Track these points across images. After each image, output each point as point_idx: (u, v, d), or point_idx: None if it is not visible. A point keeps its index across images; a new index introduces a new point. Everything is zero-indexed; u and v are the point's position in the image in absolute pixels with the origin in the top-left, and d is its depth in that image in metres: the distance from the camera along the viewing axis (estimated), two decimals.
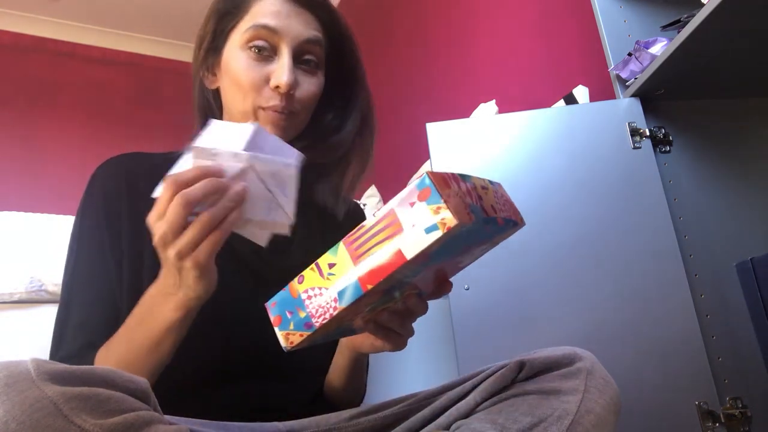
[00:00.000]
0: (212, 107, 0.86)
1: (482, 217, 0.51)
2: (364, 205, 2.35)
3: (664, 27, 1.14)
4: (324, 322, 0.51)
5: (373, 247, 0.49)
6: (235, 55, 0.78)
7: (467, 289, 1.05)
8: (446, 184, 0.49)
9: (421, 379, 1.21)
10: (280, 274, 0.78)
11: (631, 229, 1.07)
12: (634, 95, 1.14)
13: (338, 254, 0.51)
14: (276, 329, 0.53)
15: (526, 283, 1.06)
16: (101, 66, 3.67)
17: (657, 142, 1.14)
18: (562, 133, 1.14)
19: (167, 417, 0.52)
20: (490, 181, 0.58)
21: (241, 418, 0.67)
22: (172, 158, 0.83)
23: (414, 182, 0.48)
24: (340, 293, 0.50)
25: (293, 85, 0.76)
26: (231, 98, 0.79)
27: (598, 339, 1.01)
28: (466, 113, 1.87)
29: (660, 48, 1.09)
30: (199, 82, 0.84)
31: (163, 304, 0.62)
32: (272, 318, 0.53)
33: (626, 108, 1.14)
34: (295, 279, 0.52)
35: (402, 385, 1.19)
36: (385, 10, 2.84)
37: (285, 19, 0.77)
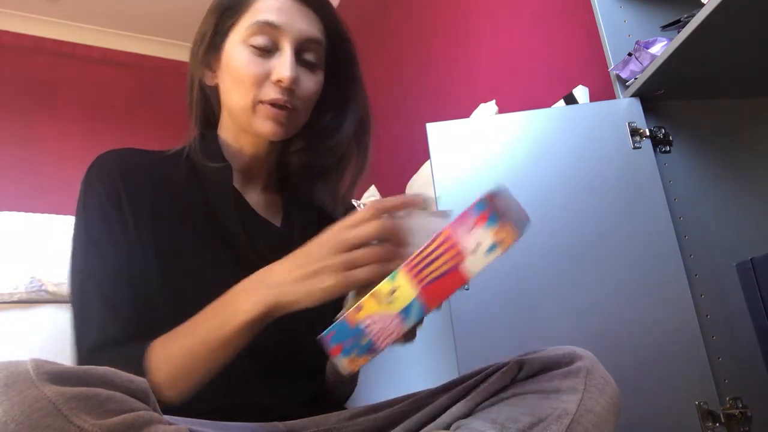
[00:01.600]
0: (212, 105, 0.87)
1: (524, 225, 0.53)
2: (364, 205, 2.35)
3: (664, 27, 1.14)
4: (389, 344, 0.53)
5: (434, 271, 0.51)
6: (237, 51, 0.78)
7: (467, 289, 1.05)
8: (498, 204, 0.51)
9: (421, 379, 1.21)
10: None
11: (631, 229, 1.07)
12: (634, 95, 1.14)
13: (397, 280, 0.52)
14: (336, 357, 0.54)
15: (526, 283, 1.06)
16: (101, 66, 3.67)
17: (657, 142, 1.14)
18: (562, 133, 1.14)
19: (167, 417, 0.52)
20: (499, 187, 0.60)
21: (241, 418, 0.67)
22: (164, 156, 0.83)
23: (471, 206, 0.51)
24: (405, 317, 0.52)
25: (295, 80, 0.76)
26: (231, 94, 0.79)
27: (597, 339, 1.01)
28: (466, 113, 1.87)
29: (660, 48, 1.09)
30: (198, 79, 0.84)
31: (249, 297, 0.61)
32: (330, 348, 0.54)
33: (626, 108, 1.14)
34: (352, 309, 0.53)
35: (402, 385, 1.19)
36: (385, 10, 2.84)
37: (287, 15, 0.77)
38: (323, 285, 0.57)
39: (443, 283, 0.51)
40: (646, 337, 1.01)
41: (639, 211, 1.08)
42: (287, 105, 0.78)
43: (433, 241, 0.51)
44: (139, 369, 0.63)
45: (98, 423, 0.44)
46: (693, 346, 1.00)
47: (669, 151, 1.15)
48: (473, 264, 0.51)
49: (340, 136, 0.87)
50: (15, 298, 1.04)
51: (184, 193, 0.79)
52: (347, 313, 0.53)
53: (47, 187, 3.12)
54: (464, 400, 0.66)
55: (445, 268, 0.51)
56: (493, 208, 0.50)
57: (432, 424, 0.66)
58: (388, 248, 0.57)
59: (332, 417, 0.72)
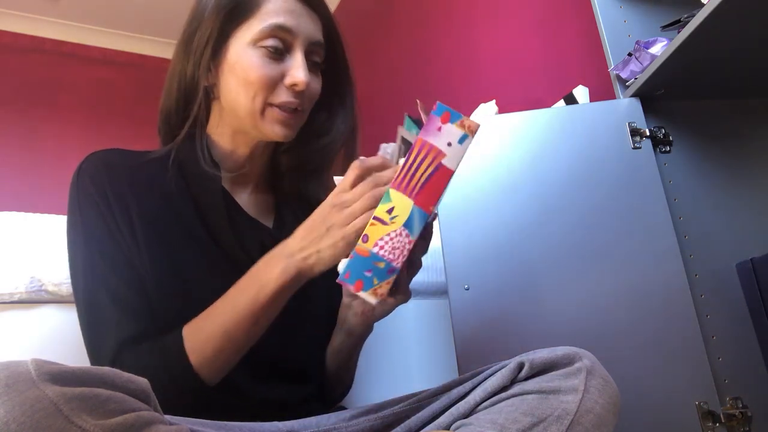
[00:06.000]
0: (207, 103, 0.83)
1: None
2: None
3: (664, 27, 1.14)
4: (404, 259, 0.58)
5: (421, 176, 0.58)
6: (247, 53, 0.77)
7: (467, 289, 1.05)
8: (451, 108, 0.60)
9: (421, 379, 1.21)
10: None
11: (631, 229, 1.07)
12: (634, 95, 1.14)
13: (393, 199, 0.58)
14: (360, 294, 0.59)
15: (526, 283, 1.06)
16: (101, 66, 3.67)
17: (657, 142, 1.14)
18: (562, 133, 1.14)
19: (167, 417, 0.52)
20: None
21: (241, 418, 0.68)
22: (151, 157, 0.81)
23: (431, 112, 0.59)
24: (409, 227, 0.58)
25: (309, 83, 0.77)
26: (237, 96, 0.78)
27: (597, 339, 1.01)
28: (466, 113, 1.87)
29: (660, 48, 1.09)
30: (197, 78, 0.80)
31: (273, 268, 0.66)
32: (352, 287, 0.59)
33: (626, 108, 1.14)
34: (359, 241, 0.58)
35: (402, 385, 1.19)
36: (385, 10, 2.84)
37: (298, 19, 0.78)
38: (331, 242, 0.63)
39: (433, 184, 0.58)
40: (646, 337, 1.01)
41: (639, 211, 1.08)
42: (298, 108, 0.78)
43: (411, 152, 0.58)
44: (181, 354, 0.66)
45: (99, 423, 0.44)
46: (693, 346, 1.00)
47: (669, 151, 1.15)
48: (453, 156, 0.58)
49: (334, 134, 0.87)
50: (15, 298, 1.04)
51: (172, 195, 0.78)
52: (356, 247, 0.58)
53: (47, 187, 3.12)
54: (464, 400, 0.66)
55: (430, 170, 0.58)
56: (450, 108, 0.58)
57: (432, 424, 0.66)
58: (376, 193, 0.62)
59: (332, 417, 0.72)
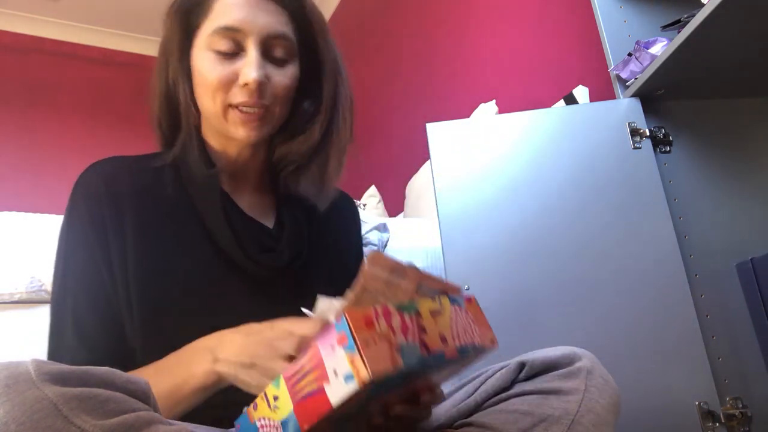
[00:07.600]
0: (193, 112, 0.82)
1: (418, 355, 0.46)
2: (364, 205, 2.35)
3: (664, 27, 1.14)
4: None
5: (305, 387, 0.46)
6: (201, 56, 0.76)
7: (467, 290, 1.05)
8: (368, 325, 0.44)
9: None
10: (270, 273, 0.78)
11: (631, 229, 1.07)
12: (634, 95, 1.14)
13: (280, 388, 0.48)
14: None
15: (526, 282, 1.06)
16: (101, 66, 3.67)
17: (657, 142, 1.14)
18: (562, 134, 1.14)
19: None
20: (453, 299, 0.53)
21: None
22: (152, 163, 0.80)
23: (334, 322, 0.45)
24: (284, 427, 0.48)
25: (262, 82, 0.74)
26: (202, 100, 0.78)
27: (597, 339, 1.01)
28: (466, 113, 1.87)
29: (660, 48, 1.09)
30: (172, 86, 0.80)
31: (199, 365, 0.63)
32: None
33: (626, 108, 1.14)
34: (251, 405, 0.51)
35: None
36: (385, 10, 2.84)
37: (249, 14, 0.75)
38: (254, 382, 0.59)
39: (312, 404, 0.45)
40: (646, 337, 1.01)
41: (639, 211, 1.08)
42: (257, 106, 0.75)
43: (305, 353, 0.47)
44: None
45: (98, 423, 0.44)
46: (693, 346, 1.00)
47: (669, 151, 1.15)
48: (335, 390, 0.44)
49: (313, 123, 0.83)
50: (15, 298, 1.04)
51: (172, 201, 0.78)
52: (248, 408, 0.51)
53: (47, 187, 3.12)
54: (465, 401, 0.66)
55: (314, 386, 0.45)
56: (354, 330, 0.43)
57: (433, 426, 0.66)
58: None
59: None
